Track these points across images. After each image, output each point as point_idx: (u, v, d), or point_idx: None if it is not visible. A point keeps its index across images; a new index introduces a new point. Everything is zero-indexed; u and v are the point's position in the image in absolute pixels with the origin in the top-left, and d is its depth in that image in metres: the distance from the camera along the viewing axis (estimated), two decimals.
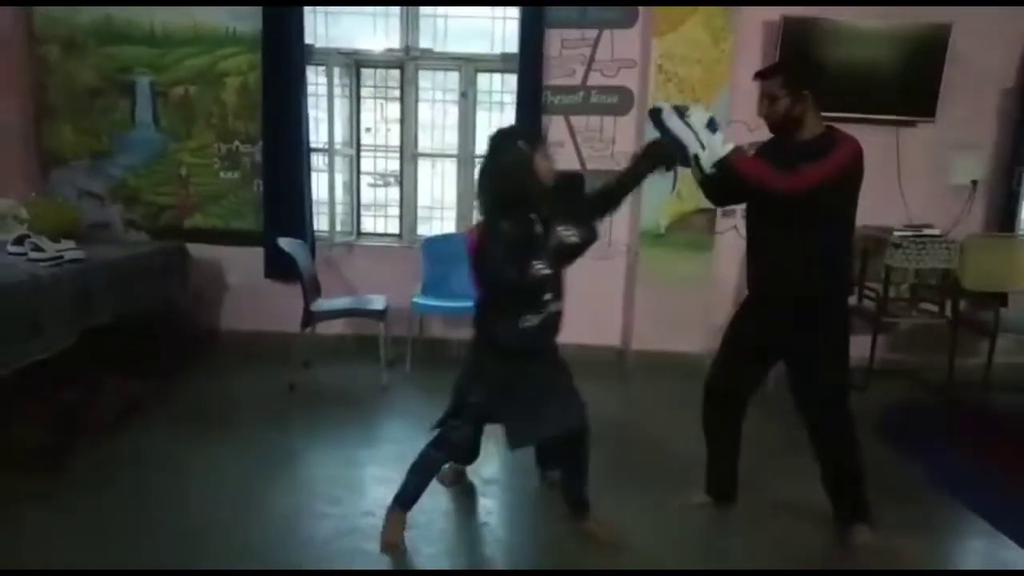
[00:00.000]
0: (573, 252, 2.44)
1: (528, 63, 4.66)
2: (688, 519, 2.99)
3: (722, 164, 2.52)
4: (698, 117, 2.53)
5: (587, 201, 2.65)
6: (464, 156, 5.06)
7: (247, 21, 4.73)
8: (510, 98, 4.87)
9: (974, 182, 4.86)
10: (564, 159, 4.60)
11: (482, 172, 2.55)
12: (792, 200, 2.49)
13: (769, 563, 2.70)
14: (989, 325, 4.41)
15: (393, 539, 2.69)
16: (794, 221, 2.57)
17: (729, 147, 2.52)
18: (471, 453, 3.12)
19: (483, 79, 5.03)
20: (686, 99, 4.63)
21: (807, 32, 4.55)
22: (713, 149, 2.51)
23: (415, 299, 4.65)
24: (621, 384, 4.70)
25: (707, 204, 4.73)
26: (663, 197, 4.68)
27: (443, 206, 5.29)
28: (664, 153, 2.61)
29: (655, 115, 2.61)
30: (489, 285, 2.55)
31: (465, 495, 3.15)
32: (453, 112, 5.11)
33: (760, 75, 2.70)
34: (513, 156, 2.45)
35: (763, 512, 3.04)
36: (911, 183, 4.83)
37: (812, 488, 2.89)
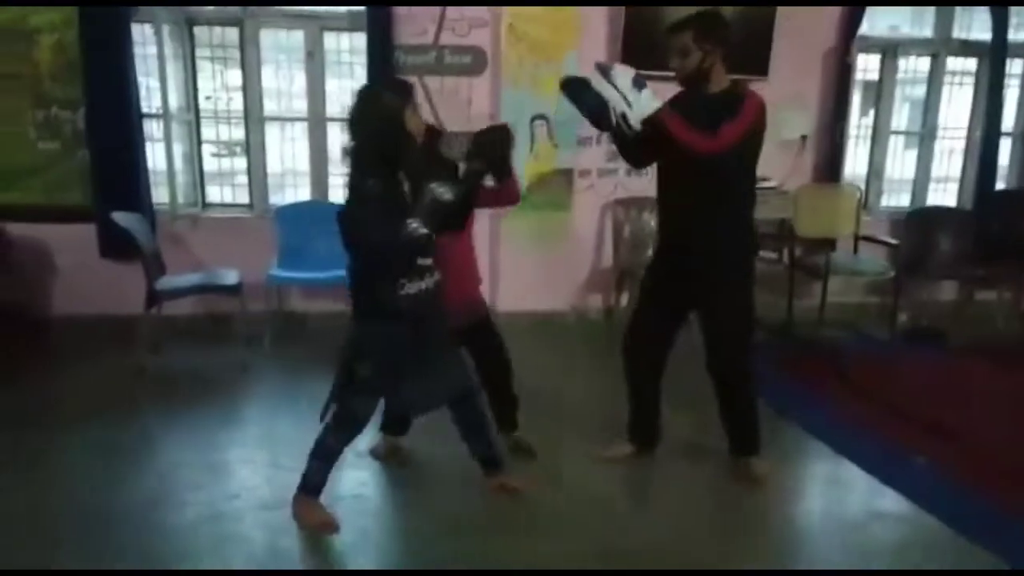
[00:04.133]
0: (448, 211, 2.28)
1: (376, 21, 4.48)
2: (611, 468, 3.11)
3: (651, 121, 2.56)
4: (623, 76, 2.55)
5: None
6: (315, 119, 4.83)
7: None
8: (360, 58, 4.70)
9: (803, 136, 5.22)
10: None
11: (349, 127, 2.40)
12: (713, 160, 2.58)
13: (721, 501, 2.90)
14: (821, 268, 4.79)
15: (315, 520, 2.59)
16: (706, 177, 2.65)
17: (657, 103, 2.55)
18: (403, 424, 3.04)
19: (330, 38, 4.80)
20: (537, 59, 4.67)
21: None
22: (640, 106, 2.54)
23: (271, 272, 4.43)
24: None
25: (564, 164, 4.89)
26: (522, 158, 4.70)
27: (295, 172, 5.05)
28: (494, 147, 2.55)
29: (572, 85, 2.64)
30: (360, 249, 2.38)
31: (389, 469, 3.07)
32: (300, 74, 4.86)
33: (671, 29, 2.75)
34: (382, 110, 2.33)
35: (675, 455, 3.20)
36: None
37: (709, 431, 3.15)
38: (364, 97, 2.40)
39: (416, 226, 2.21)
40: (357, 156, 2.36)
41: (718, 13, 2.80)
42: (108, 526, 2.61)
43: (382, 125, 2.32)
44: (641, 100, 2.56)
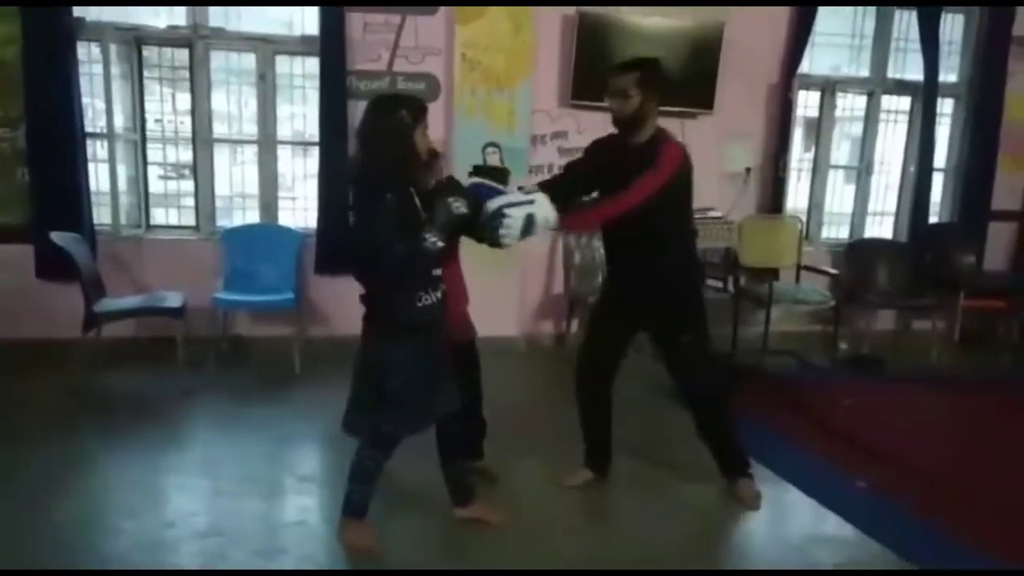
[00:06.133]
0: (463, 224, 2.36)
1: (330, 46, 4.50)
2: (581, 494, 3.11)
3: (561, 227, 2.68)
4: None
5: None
6: (265, 142, 4.80)
7: None
8: (312, 82, 4.69)
9: (748, 169, 5.37)
10: None
11: (360, 139, 2.42)
12: (635, 210, 2.64)
13: (669, 525, 2.91)
14: (765, 297, 4.89)
15: (362, 543, 2.54)
16: (639, 223, 2.69)
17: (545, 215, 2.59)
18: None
19: (282, 62, 4.79)
20: (490, 87, 4.72)
21: (600, 28, 4.80)
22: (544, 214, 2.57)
23: (217, 295, 4.35)
24: None
25: None
26: None
27: (245, 195, 4.99)
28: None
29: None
30: (372, 263, 2.37)
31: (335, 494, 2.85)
32: (251, 97, 4.82)
33: (618, 68, 2.80)
34: (393, 126, 2.33)
35: (659, 479, 3.23)
36: (696, 170, 5.22)
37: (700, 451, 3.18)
38: (377, 111, 2.39)
39: (434, 239, 2.28)
40: (368, 170, 2.36)
41: (660, 63, 2.87)
42: (35, 550, 2.50)
43: (392, 141, 2.32)
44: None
